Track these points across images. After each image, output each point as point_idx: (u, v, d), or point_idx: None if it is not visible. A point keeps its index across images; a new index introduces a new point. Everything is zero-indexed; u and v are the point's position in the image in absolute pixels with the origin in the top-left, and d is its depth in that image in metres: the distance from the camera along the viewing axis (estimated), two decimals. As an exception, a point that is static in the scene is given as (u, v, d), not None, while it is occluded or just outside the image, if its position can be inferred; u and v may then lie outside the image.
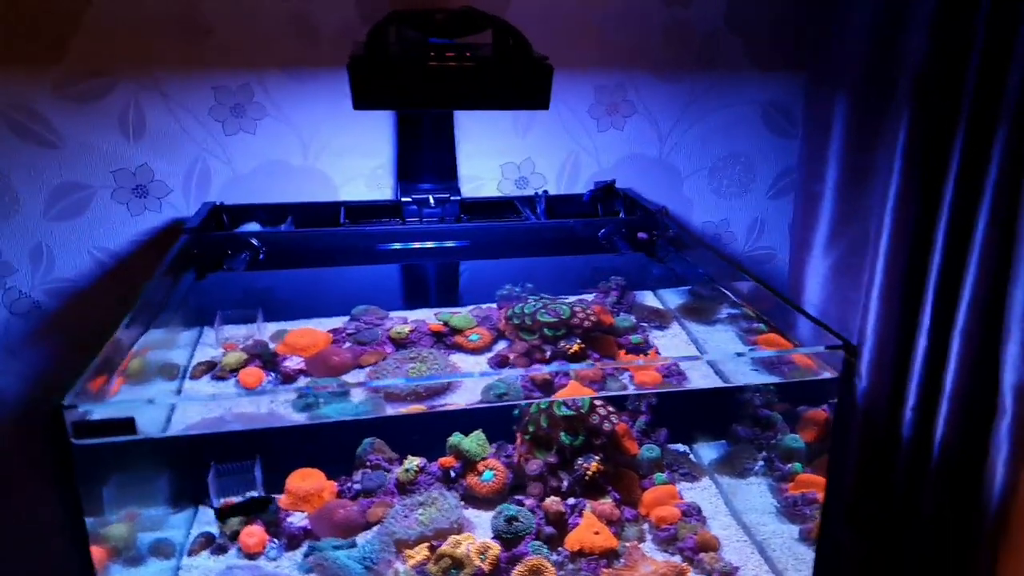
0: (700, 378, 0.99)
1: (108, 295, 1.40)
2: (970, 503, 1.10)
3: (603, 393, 0.97)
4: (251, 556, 1.07)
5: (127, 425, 0.75)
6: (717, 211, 1.54)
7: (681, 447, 1.30)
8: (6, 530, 1.44)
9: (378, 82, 0.94)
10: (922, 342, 1.16)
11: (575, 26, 1.35)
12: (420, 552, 1.02)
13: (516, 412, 1.20)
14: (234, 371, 1.02)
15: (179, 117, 1.32)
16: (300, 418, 0.87)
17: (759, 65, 1.45)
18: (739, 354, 0.98)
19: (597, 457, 1.11)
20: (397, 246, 1.29)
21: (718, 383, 0.99)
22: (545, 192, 1.38)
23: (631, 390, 1.00)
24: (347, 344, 1.09)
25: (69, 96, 1.27)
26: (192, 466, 1.15)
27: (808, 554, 1.05)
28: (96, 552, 0.78)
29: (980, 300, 1.06)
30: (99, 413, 0.75)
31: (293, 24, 1.29)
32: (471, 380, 0.96)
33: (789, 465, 1.14)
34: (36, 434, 1.40)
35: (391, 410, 0.89)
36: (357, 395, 0.91)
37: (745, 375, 0.98)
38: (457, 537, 1.02)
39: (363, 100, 0.95)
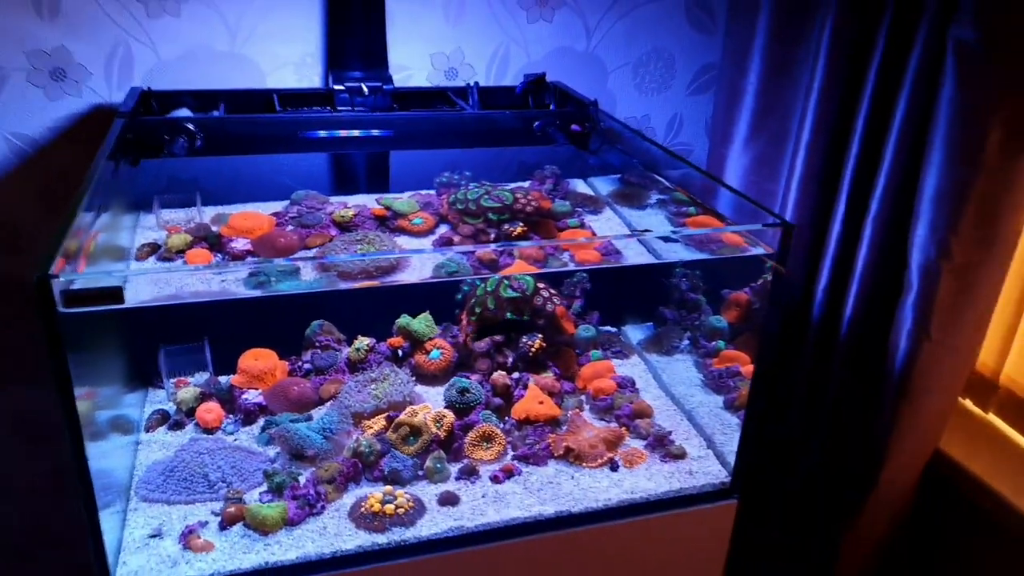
0: (636, 256, 1.02)
1: (28, 183, 1.32)
2: (874, 373, 1.18)
3: (546, 270, 0.99)
4: (209, 431, 1.07)
5: (115, 294, 0.72)
6: (639, 106, 1.56)
7: (612, 328, 1.34)
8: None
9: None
10: (836, 228, 1.22)
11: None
12: (378, 422, 1.04)
13: (459, 296, 1.21)
14: (180, 252, 0.99)
15: (97, -3, 1.23)
16: (255, 293, 0.85)
17: (684, -43, 1.45)
18: (674, 231, 1.01)
19: (540, 336, 1.13)
20: (333, 134, 1.25)
21: (652, 261, 1.02)
22: (477, 84, 1.36)
23: (572, 267, 1.02)
24: (290, 227, 1.06)
25: (-29, -32, 1.16)
26: (144, 348, 1.13)
27: (732, 420, 1.12)
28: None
29: (893, 188, 1.12)
30: (80, 284, 0.72)
31: None
32: (419, 259, 0.97)
33: (713, 343, 1.19)
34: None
35: (344, 286, 0.89)
36: (307, 274, 0.90)
37: (678, 253, 1.02)
38: (414, 407, 1.04)
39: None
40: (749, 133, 1.38)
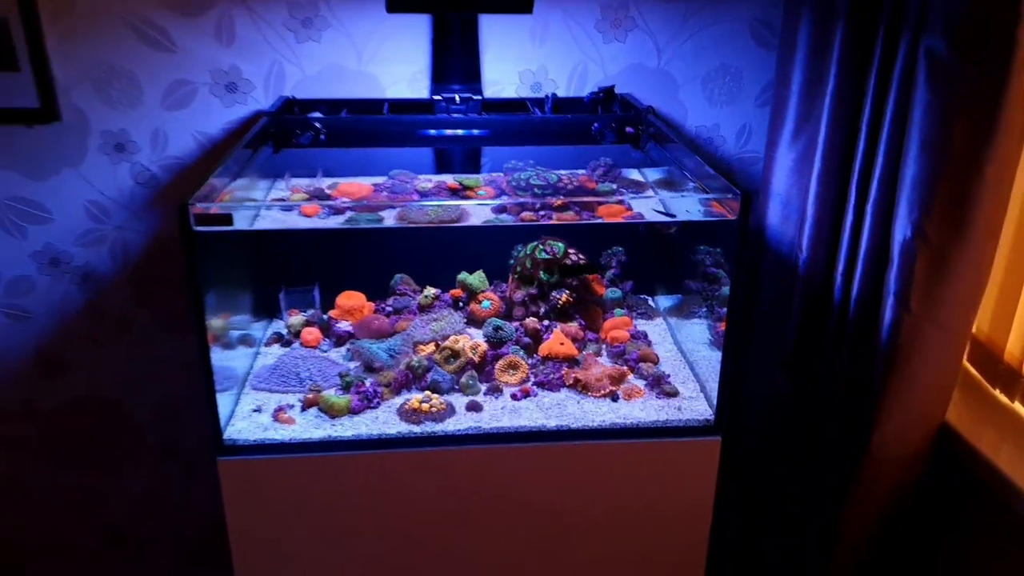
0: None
1: (205, 169, 1.73)
2: (872, 342, 1.33)
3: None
4: (308, 348, 1.41)
5: (226, 218, 1.08)
6: (709, 117, 1.77)
7: (643, 296, 1.56)
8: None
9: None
10: (848, 216, 1.38)
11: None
12: (429, 347, 1.34)
13: (511, 262, 1.49)
14: (297, 203, 1.34)
15: (261, 28, 1.63)
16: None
17: (747, -16, 1.65)
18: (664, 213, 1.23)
19: (568, 291, 1.39)
20: (429, 132, 1.58)
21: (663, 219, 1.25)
22: (553, 94, 1.64)
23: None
24: (384, 192, 1.39)
25: (179, 11, 1.60)
26: (272, 289, 1.50)
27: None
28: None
29: (886, 179, 1.28)
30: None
31: (351, -51, 1.58)
32: (479, 215, 1.25)
33: (725, 309, 1.38)
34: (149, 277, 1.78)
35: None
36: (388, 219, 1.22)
37: (682, 215, 1.24)
38: (456, 336, 1.33)
39: (394, 6, 1.25)
40: (792, 138, 1.56)
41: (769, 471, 1.62)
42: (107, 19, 1.58)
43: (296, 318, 1.46)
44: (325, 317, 1.48)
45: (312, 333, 1.43)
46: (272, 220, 1.23)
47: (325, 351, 1.42)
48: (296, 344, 1.44)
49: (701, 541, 1.30)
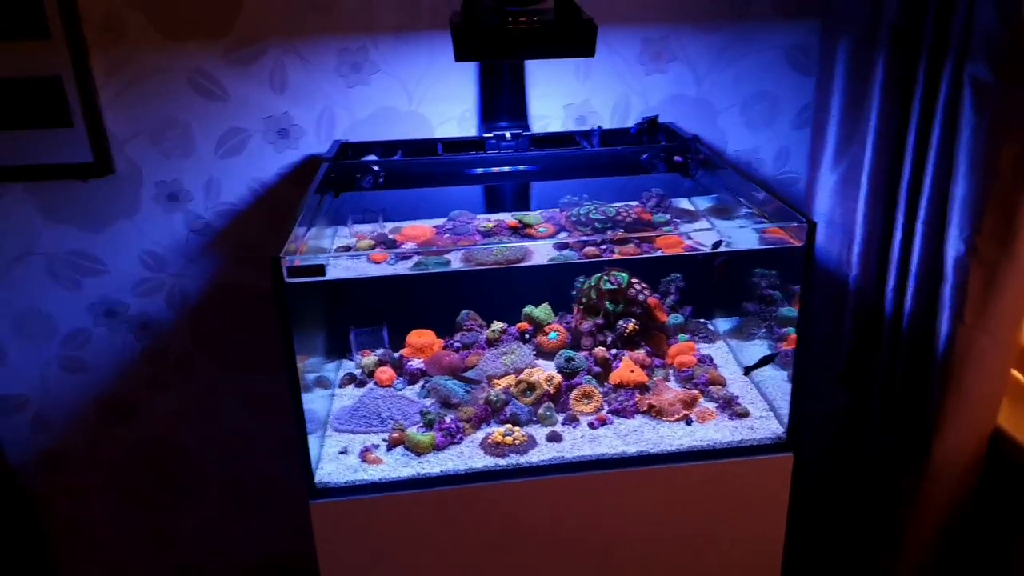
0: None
1: (259, 214, 1.85)
2: (927, 358, 1.44)
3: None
4: (384, 387, 1.52)
5: (319, 269, 1.19)
6: (748, 141, 1.89)
7: (703, 321, 1.67)
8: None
9: (472, 41, 1.35)
10: (897, 235, 1.49)
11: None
12: (505, 381, 1.45)
13: (574, 293, 1.60)
14: (365, 251, 1.45)
15: (312, 74, 1.75)
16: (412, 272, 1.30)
17: (782, 13, 1.78)
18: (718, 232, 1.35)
19: (633, 320, 1.50)
20: (482, 171, 1.69)
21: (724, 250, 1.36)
22: (599, 127, 1.76)
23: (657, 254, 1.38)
24: (447, 235, 1.50)
25: (233, 61, 1.71)
26: (341, 330, 1.62)
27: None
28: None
29: (935, 198, 1.39)
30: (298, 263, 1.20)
31: (399, -2, 1.70)
32: (542, 253, 1.36)
33: (785, 329, 1.50)
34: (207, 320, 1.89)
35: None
36: (455, 263, 1.33)
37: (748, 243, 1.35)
38: (531, 370, 1.44)
39: (462, 54, 1.36)
40: (834, 160, 1.68)
41: (829, 483, 1.73)
42: (161, 72, 1.70)
43: (369, 358, 1.57)
44: (397, 356, 1.58)
45: (386, 372, 1.53)
46: (344, 268, 1.33)
47: (400, 389, 1.52)
48: (371, 384, 1.55)
49: (776, 554, 1.40)
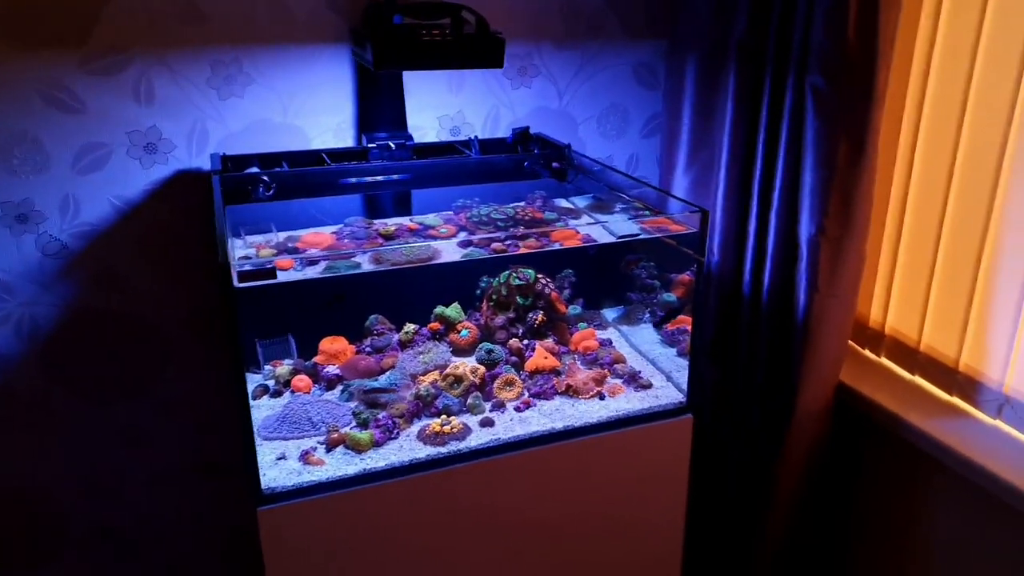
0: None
1: (124, 234, 1.77)
2: (787, 323, 1.69)
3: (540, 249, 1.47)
4: (302, 394, 1.52)
5: (271, 272, 1.20)
6: (604, 149, 2.09)
7: (593, 311, 1.83)
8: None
9: (390, 51, 1.41)
10: (752, 223, 1.74)
11: (497, 8, 1.85)
12: (428, 377, 1.51)
13: (478, 292, 1.70)
14: (287, 383, 1.53)
15: (183, 87, 1.72)
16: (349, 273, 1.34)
17: (631, 35, 2.00)
18: (630, 218, 1.52)
19: (541, 312, 1.62)
20: (370, 179, 1.75)
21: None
22: (476, 137, 1.88)
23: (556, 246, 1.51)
24: (345, 239, 1.54)
25: (92, 72, 1.64)
26: (246, 343, 1.59)
27: (683, 362, 1.61)
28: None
29: (786, 189, 1.65)
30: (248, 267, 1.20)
31: (273, 10, 1.72)
32: (449, 252, 1.44)
33: (662, 313, 1.69)
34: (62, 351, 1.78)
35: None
36: (366, 265, 1.38)
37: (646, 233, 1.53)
38: (456, 364, 1.52)
39: (381, 64, 1.42)
40: (687, 163, 1.91)
41: (713, 443, 1.95)
42: (6, 84, 1.60)
43: (282, 368, 1.56)
44: (310, 364, 1.59)
45: (304, 380, 1.54)
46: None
47: (319, 396, 1.53)
48: (287, 393, 1.54)
49: (682, 501, 1.58)
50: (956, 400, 1.65)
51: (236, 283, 1.21)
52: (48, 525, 1.91)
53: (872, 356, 1.84)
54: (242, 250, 1.55)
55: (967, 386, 1.62)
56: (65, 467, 1.88)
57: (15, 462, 1.83)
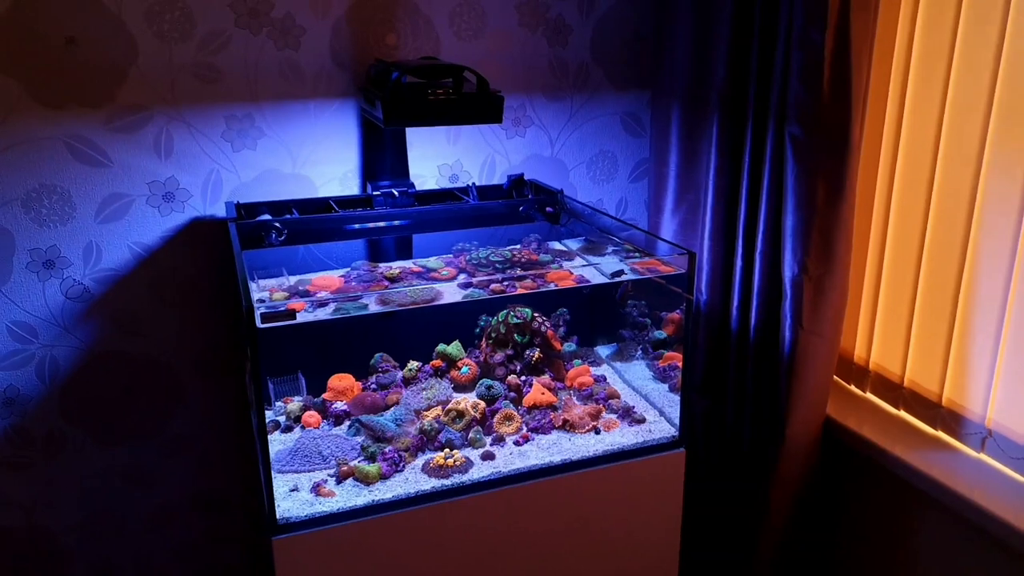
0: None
1: (141, 278, 1.88)
2: (773, 358, 1.78)
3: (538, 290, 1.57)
4: (314, 430, 1.61)
5: (291, 314, 1.29)
6: (594, 193, 2.20)
7: (589, 348, 1.93)
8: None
9: (399, 109, 1.53)
10: (738, 263, 1.84)
11: (491, 65, 1.97)
12: (432, 412, 1.60)
13: (477, 330, 1.80)
14: (297, 419, 1.63)
15: (199, 140, 1.83)
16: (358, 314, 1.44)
17: (617, 87, 2.12)
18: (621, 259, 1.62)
19: (538, 349, 1.72)
20: (375, 225, 1.86)
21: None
22: (474, 184, 1.99)
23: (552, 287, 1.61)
24: (353, 281, 1.64)
25: (117, 129, 1.76)
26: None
27: (675, 397, 1.71)
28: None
29: (769, 231, 1.75)
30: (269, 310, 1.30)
31: (284, 68, 1.84)
32: (451, 293, 1.54)
33: (658, 351, 1.79)
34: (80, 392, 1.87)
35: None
36: (373, 306, 1.48)
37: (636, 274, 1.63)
38: (458, 399, 1.61)
39: (391, 121, 1.54)
40: (674, 206, 2.02)
41: (706, 473, 2.03)
42: (37, 140, 1.71)
43: (293, 404, 1.66)
44: (319, 400, 1.69)
45: (313, 416, 1.63)
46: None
47: (328, 430, 1.63)
48: (296, 428, 1.63)
49: (676, 531, 1.66)
50: (940, 434, 1.73)
51: (259, 324, 1.31)
52: (48, 567, 1.99)
53: (858, 391, 1.93)
54: (256, 293, 1.66)
55: (950, 420, 1.70)
56: (68, 506, 1.95)
57: (23, 501, 1.91)
